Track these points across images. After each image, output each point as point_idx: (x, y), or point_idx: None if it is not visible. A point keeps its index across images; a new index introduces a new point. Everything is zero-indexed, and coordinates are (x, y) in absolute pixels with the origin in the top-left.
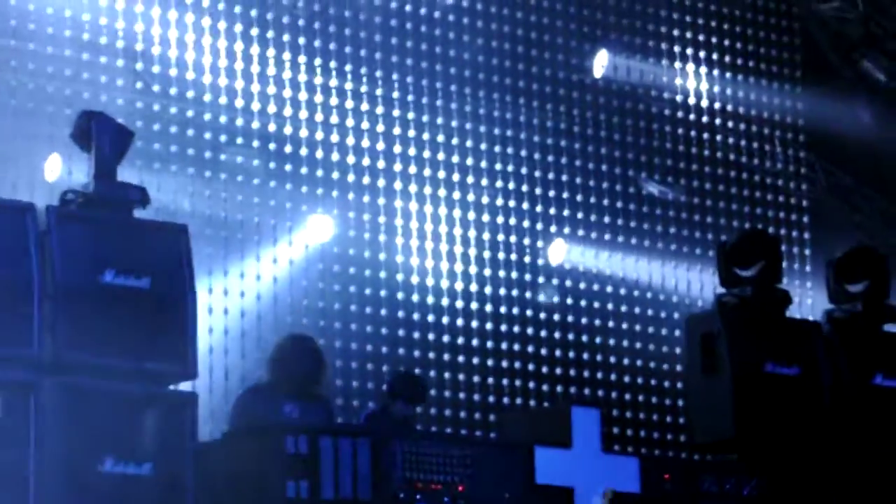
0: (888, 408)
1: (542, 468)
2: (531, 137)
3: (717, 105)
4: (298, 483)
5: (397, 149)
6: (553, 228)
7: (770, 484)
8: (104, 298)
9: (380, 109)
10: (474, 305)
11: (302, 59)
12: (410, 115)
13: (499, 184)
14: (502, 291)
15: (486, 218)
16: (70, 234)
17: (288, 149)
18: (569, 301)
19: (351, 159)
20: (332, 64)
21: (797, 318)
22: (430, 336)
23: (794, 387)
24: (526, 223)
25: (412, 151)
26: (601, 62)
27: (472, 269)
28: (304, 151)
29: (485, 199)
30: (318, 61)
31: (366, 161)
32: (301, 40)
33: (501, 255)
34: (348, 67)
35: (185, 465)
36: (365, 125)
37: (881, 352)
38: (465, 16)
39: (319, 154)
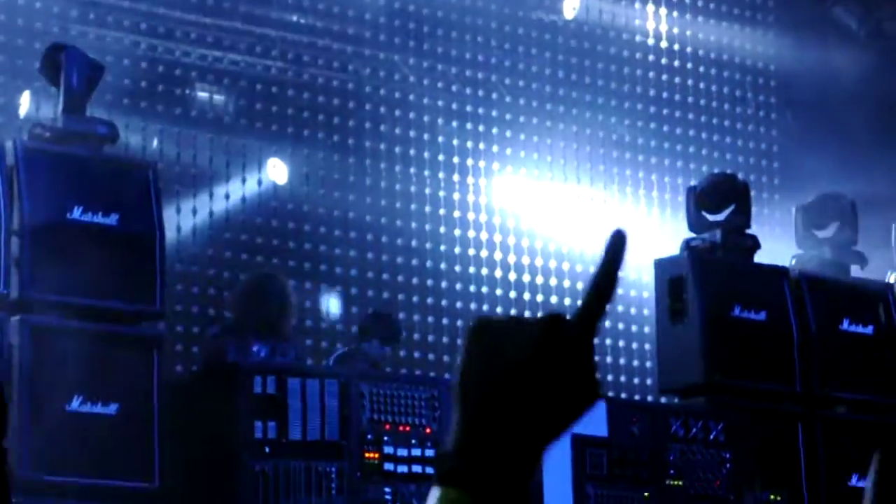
0: (855, 353)
1: None
2: (502, 80)
3: (688, 49)
4: (266, 423)
5: (367, 89)
6: (523, 171)
7: (737, 428)
8: (71, 235)
9: (350, 49)
10: (443, 247)
11: None
12: (382, 56)
13: (468, 125)
14: (471, 234)
15: (455, 160)
16: (38, 170)
17: (258, 87)
18: (538, 244)
19: (321, 98)
20: (305, 3)
21: (765, 263)
22: (400, 278)
23: (761, 332)
24: (496, 165)
25: (383, 91)
26: (572, 4)
27: (441, 211)
28: (274, 90)
29: (455, 141)
30: (290, 0)
31: (336, 101)
32: None
33: (471, 198)
34: (321, 7)
35: (153, 405)
36: (336, 65)
37: (848, 298)
38: None
39: (290, 93)
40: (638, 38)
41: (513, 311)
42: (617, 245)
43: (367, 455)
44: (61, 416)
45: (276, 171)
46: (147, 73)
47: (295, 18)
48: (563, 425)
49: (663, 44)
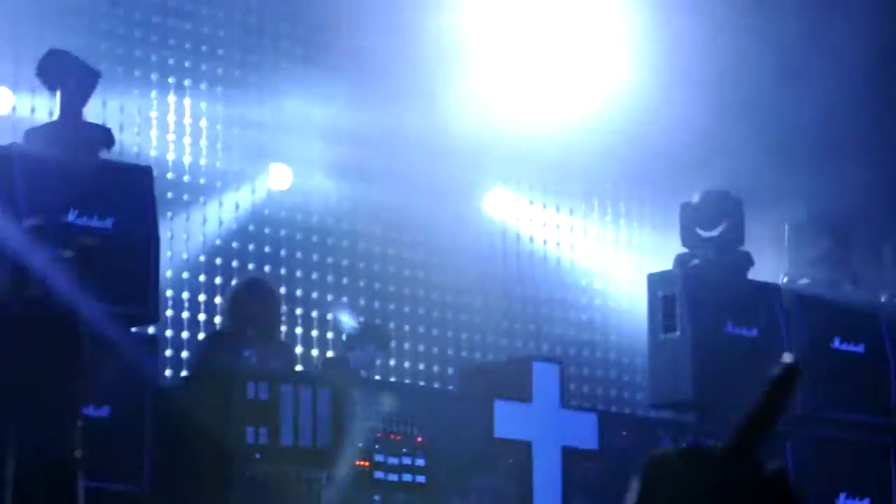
0: (845, 371)
1: (502, 421)
2: None
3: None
4: (258, 429)
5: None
6: (517, 187)
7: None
8: (66, 238)
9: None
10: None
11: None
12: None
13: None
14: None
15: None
16: (34, 173)
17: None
18: (533, 255)
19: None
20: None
21: (758, 280)
22: (391, 288)
23: (752, 348)
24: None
25: None
26: None
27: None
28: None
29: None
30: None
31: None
32: None
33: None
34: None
35: (145, 409)
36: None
37: (839, 317)
38: None
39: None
40: None
41: (504, 324)
42: (788, 377)
43: (357, 463)
44: None
45: (279, 176)
46: (141, 80)
47: (289, 27)
48: None
49: None
